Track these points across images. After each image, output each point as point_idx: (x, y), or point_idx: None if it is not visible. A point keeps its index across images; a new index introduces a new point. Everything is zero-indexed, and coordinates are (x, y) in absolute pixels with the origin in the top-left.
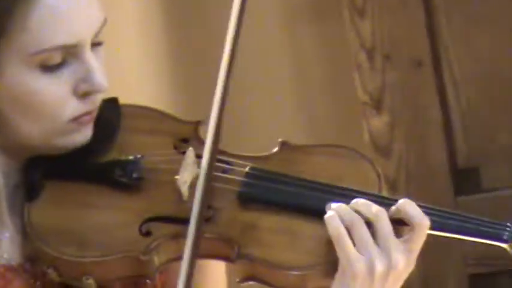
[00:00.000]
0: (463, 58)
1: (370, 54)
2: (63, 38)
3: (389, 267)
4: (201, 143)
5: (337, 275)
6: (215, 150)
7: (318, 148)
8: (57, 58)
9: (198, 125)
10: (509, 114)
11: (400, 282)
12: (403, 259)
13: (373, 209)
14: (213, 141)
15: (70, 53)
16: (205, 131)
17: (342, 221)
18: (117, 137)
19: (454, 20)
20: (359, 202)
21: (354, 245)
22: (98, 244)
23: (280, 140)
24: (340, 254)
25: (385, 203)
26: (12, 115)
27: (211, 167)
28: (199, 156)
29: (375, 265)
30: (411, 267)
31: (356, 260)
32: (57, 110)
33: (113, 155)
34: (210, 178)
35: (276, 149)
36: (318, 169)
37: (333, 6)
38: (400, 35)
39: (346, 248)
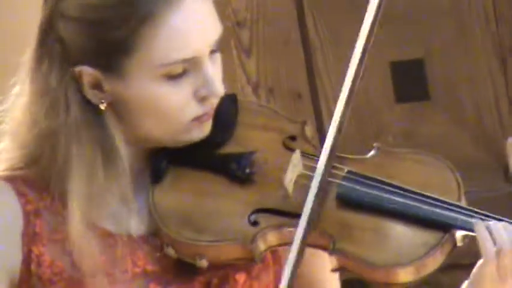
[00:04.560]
0: (337, 91)
1: (255, 88)
2: (183, 53)
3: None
4: (307, 141)
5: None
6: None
7: (409, 154)
8: (179, 69)
9: (304, 124)
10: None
11: None
12: None
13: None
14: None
15: (190, 64)
16: (310, 130)
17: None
18: (235, 130)
19: (329, 58)
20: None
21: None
22: (211, 230)
23: (375, 144)
24: (482, 250)
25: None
26: (140, 117)
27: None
28: (304, 155)
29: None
30: None
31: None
32: (180, 112)
33: (230, 147)
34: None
35: (372, 153)
36: (406, 174)
37: (224, 46)
38: (282, 71)
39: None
